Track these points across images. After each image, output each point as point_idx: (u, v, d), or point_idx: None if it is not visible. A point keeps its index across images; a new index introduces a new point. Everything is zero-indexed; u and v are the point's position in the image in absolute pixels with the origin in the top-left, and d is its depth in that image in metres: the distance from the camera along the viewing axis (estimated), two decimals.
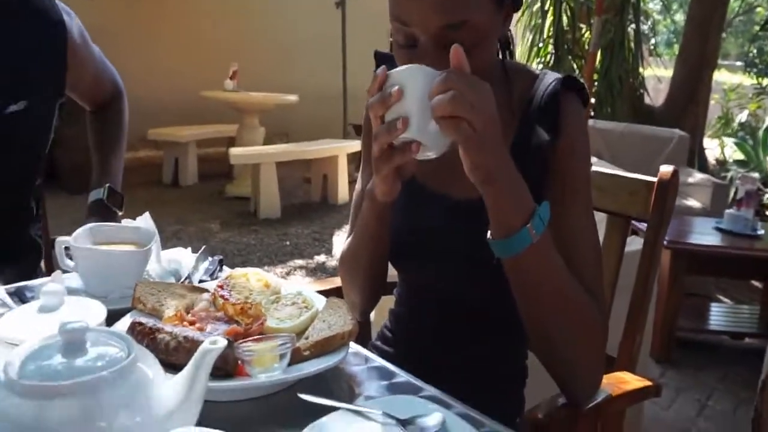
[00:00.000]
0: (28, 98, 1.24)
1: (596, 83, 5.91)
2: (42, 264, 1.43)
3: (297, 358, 0.82)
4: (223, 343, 0.63)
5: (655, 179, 1.13)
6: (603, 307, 0.90)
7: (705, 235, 3.16)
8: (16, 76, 1.24)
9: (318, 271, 4.03)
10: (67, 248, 1.05)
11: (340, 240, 4.59)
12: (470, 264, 0.96)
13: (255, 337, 0.83)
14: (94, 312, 0.76)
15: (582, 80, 0.95)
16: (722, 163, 6.96)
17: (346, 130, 6.69)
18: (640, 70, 6.38)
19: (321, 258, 4.28)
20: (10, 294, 1.02)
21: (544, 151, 0.92)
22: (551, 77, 0.96)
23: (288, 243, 4.53)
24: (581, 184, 0.93)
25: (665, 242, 2.47)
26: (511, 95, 0.97)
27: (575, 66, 6.26)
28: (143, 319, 0.81)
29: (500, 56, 0.99)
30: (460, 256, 0.96)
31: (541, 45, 6.36)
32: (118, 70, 1.55)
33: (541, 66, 6.38)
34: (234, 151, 5.16)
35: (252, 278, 1.01)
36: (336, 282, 1.22)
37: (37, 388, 0.55)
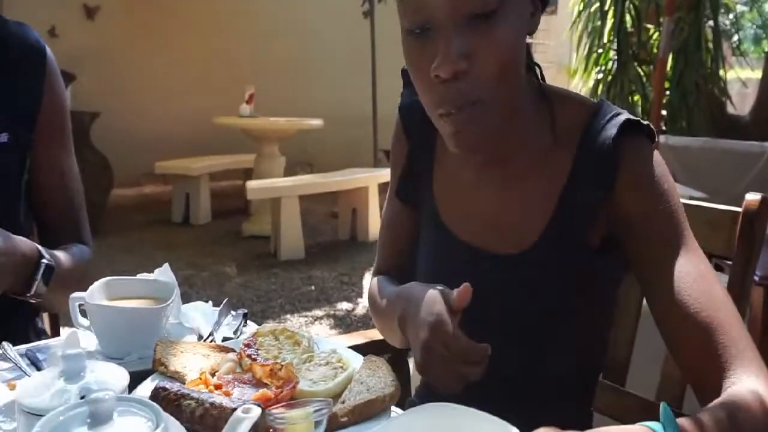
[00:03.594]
0: (8, 130, 1.30)
1: (668, 92, 5.81)
2: (41, 321, 1.47)
3: (334, 425, 0.84)
4: (257, 411, 0.67)
5: (739, 209, 1.12)
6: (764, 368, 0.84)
7: None
8: None
9: (347, 320, 4.08)
10: (80, 305, 1.11)
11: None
12: (506, 323, 0.99)
13: (287, 402, 0.85)
14: (117, 377, 0.80)
15: (646, 120, 0.98)
16: None
17: (377, 157, 6.76)
18: (721, 73, 6.22)
19: (350, 305, 4.34)
20: (21, 356, 1.07)
21: (600, 205, 0.95)
22: (608, 113, 0.98)
23: (313, 287, 4.60)
24: (671, 230, 0.93)
25: (756, 279, 2.42)
26: (553, 123, 1.00)
27: (642, 73, 6.17)
28: (167, 384, 0.85)
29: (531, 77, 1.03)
30: (495, 314, 0.99)
31: (601, 51, 6.29)
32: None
33: (601, 75, 6.33)
34: (251, 184, 5.28)
35: (281, 335, 1.05)
36: (372, 335, 1.26)
37: None
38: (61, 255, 1.30)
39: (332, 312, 4.20)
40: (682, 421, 0.72)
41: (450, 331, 0.87)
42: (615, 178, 0.94)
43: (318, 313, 4.16)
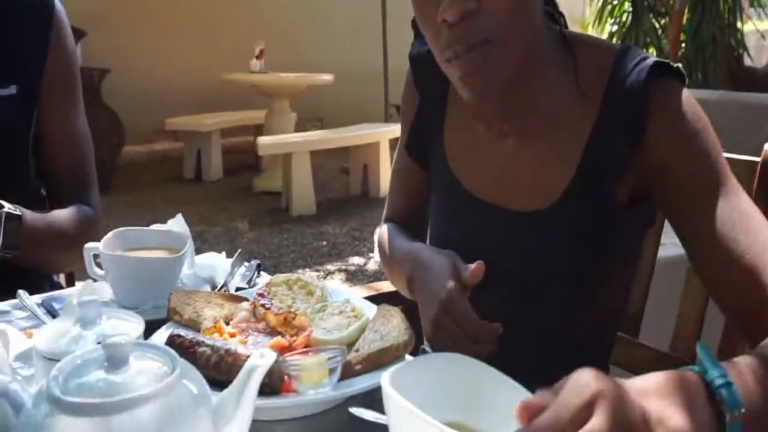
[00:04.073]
0: (16, 82, 1.30)
1: (683, 45, 5.69)
2: (56, 276, 1.48)
3: (348, 372, 0.84)
4: (272, 357, 0.66)
5: (758, 159, 1.10)
6: None
7: None
8: (4, 59, 1.30)
9: (358, 275, 4.10)
10: (95, 255, 1.11)
11: None
12: (522, 283, 0.98)
13: (301, 350, 0.86)
14: (133, 324, 0.80)
15: (670, 61, 0.92)
16: None
17: (388, 112, 6.72)
18: (738, 24, 6.06)
19: (361, 260, 4.36)
20: (37, 305, 1.08)
21: (629, 156, 0.90)
22: (634, 57, 0.93)
23: (324, 243, 4.61)
24: (708, 171, 0.88)
25: None
26: (576, 71, 0.96)
27: (657, 25, 6.04)
28: (182, 332, 0.86)
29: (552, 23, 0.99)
30: (513, 273, 0.97)
31: (615, 2, 6.18)
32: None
33: (615, 27, 6.23)
34: (262, 140, 5.27)
35: (294, 285, 1.06)
36: (385, 287, 1.26)
37: (82, 405, 0.58)
38: (40, 213, 1.28)
39: (344, 267, 4.22)
40: (726, 363, 0.66)
41: (461, 310, 0.87)
42: (646, 125, 0.90)
43: (330, 267, 4.19)
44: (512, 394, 0.66)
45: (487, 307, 0.90)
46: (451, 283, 0.88)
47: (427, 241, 1.13)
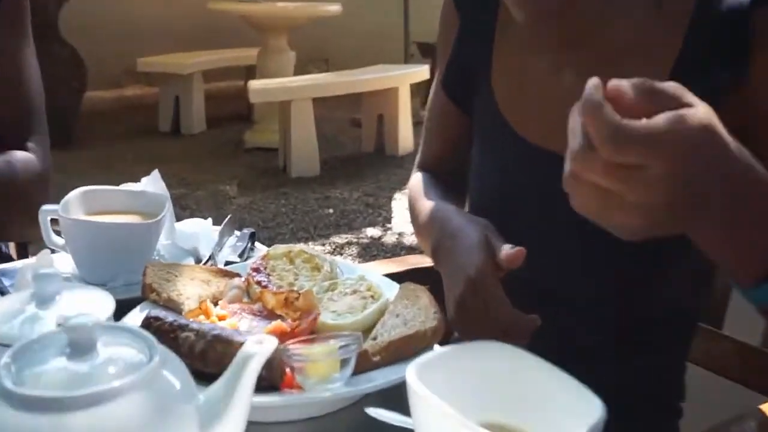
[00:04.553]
0: None
1: None
2: (4, 246, 1.48)
3: (364, 364, 0.83)
4: (272, 344, 0.65)
5: None
6: None
7: None
8: None
9: (373, 250, 4.11)
10: (54, 220, 1.10)
11: (403, 206, 4.60)
12: (578, 245, 0.97)
13: (306, 338, 0.85)
14: (100, 303, 0.80)
15: None
16: None
17: (409, 51, 6.68)
18: None
19: (377, 231, 4.35)
20: None
21: (722, 95, 0.87)
22: None
23: (331, 210, 4.62)
24: None
25: None
26: None
27: None
28: (161, 314, 0.85)
29: None
30: (565, 235, 0.98)
31: None
32: None
33: None
34: (254, 85, 5.26)
35: (297, 258, 1.05)
36: (411, 262, 1.25)
37: (37, 400, 0.58)
38: None
39: (355, 240, 4.23)
40: None
41: (492, 293, 0.87)
42: (749, 59, 0.88)
43: (337, 240, 4.19)
44: (564, 390, 0.66)
45: (528, 276, 0.90)
46: (482, 260, 0.88)
47: (468, 196, 1.14)
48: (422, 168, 1.24)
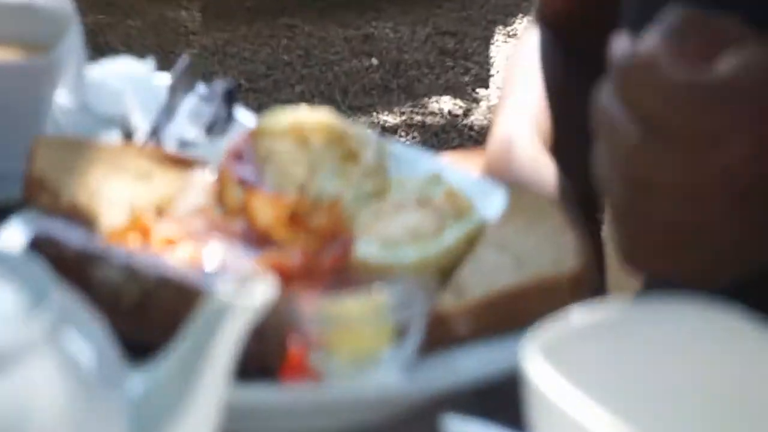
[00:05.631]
0: None
1: None
2: None
3: (439, 337, 0.63)
4: (266, 292, 0.47)
5: None
6: None
7: None
8: None
9: (453, 132, 2.93)
10: None
11: (502, 52, 3.14)
12: None
13: (331, 284, 0.67)
14: None
15: None
16: None
17: None
18: None
19: (460, 100, 3.07)
20: None
21: None
22: None
23: (374, 61, 3.21)
24: None
25: None
26: None
27: None
28: (57, 233, 0.66)
29: None
30: None
31: None
32: None
33: None
34: None
35: (314, 137, 0.78)
36: None
37: None
38: None
39: (421, 115, 3.04)
40: None
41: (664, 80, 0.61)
42: None
43: (387, 117, 3.00)
44: None
45: None
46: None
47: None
48: (541, 22, 1.07)
